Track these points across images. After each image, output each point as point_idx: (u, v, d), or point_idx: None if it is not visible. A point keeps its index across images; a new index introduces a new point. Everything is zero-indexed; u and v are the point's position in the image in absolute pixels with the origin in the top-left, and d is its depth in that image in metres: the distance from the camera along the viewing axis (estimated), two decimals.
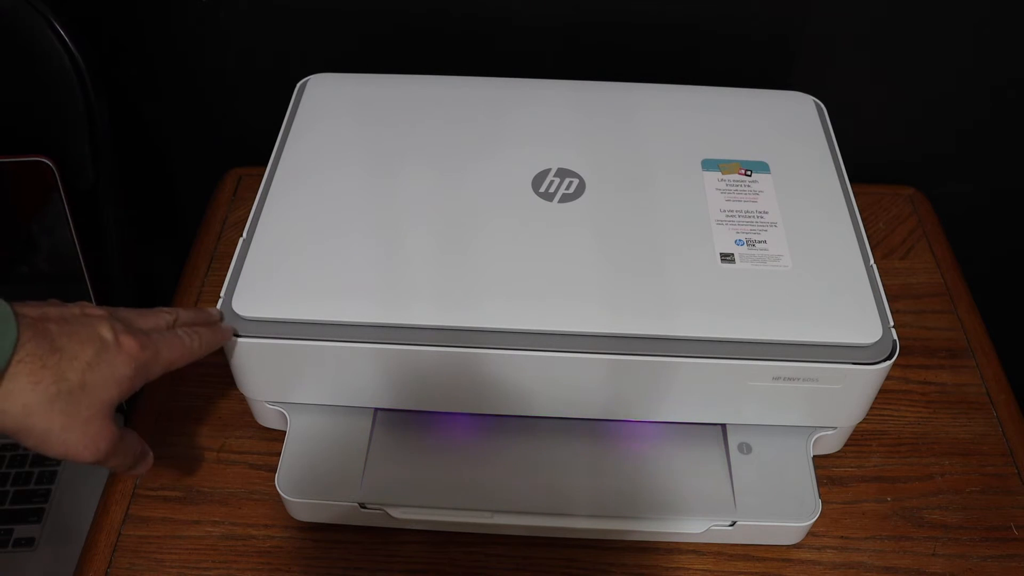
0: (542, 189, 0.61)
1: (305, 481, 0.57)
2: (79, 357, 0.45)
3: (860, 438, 0.65)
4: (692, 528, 0.58)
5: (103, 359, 0.46)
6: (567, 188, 0.61)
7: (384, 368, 0.55)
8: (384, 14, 0.79)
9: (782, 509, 0.57)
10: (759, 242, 0.58)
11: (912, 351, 0.71)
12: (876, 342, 0.54)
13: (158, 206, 0.99)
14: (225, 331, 0.54)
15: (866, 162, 0.77)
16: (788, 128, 0.67)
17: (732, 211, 0.60)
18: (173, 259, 0.82)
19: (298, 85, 0.70)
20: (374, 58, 0.82)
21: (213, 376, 0.68)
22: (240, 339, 0.54)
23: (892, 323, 0.55)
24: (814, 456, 0.59)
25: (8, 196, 0.73)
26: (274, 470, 0.58)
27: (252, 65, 0.84)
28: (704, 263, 0.57)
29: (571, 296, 0.55)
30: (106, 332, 0.47)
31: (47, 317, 0.45)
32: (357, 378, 0.56)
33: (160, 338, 0.50)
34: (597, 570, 0.59)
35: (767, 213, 0.60)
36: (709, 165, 0.63)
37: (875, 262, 0.58)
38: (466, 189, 0.61)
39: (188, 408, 0.66)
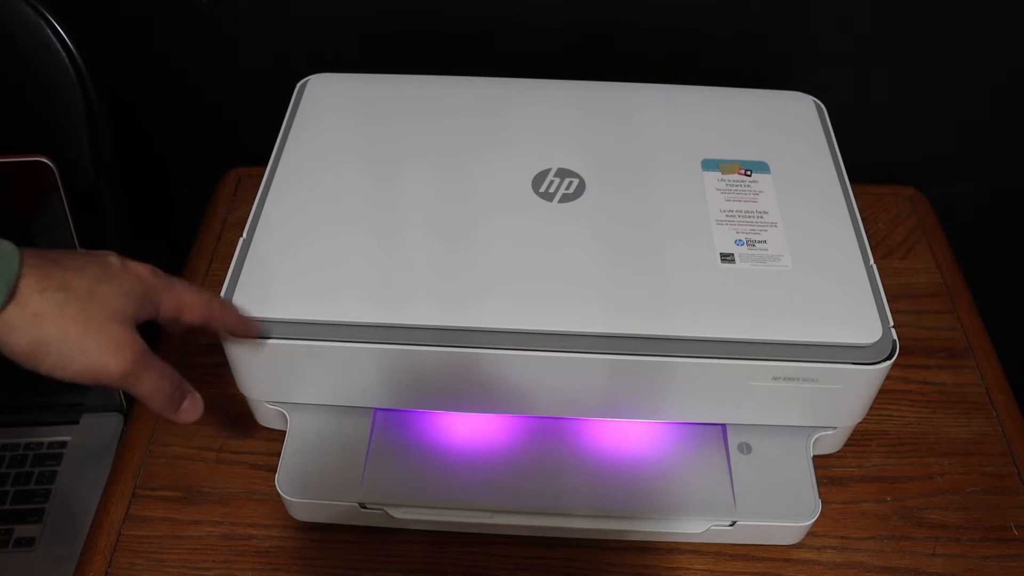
0: (542, 189, 0.61)
1: (305, 481, 0.57)
2: (85, 271, 0.45)
3: (860, 438, 0.65)
4: (692, 528, 0.58)
5: (110, 275, 0.46)
6: (567, 188, 0.61)
7: (384, 368, 0.55)
8: (384, 14, 0.79)
9: (782, 509, 0.57)
10: (759, 242, 0.58)
11: (912, 351, 0.71)
12: (876, 342, 0.54)
13: (158, 206, 0.99)
14: (251, 325, 0.53)
15: (866, 162, 0.77)
16: (788, 128, 0.67)
17: (732, 211, 0.60)
18: (173, 259, 0.82)
19: (298, 85, 0.70)
20: (374, 58, 0.82)
21: (213, 376, 0.68)
22: (240, 339, 0.54)
23: (892, 323, 0.55)
24: (814, 456, 0.59)
25: (8, 196, 0.73)
26: (274, 470, 0.58)
27: (252, 65, 0.84)
28: (704, 263, 0.57)
29: (571, 296, 0.55)
30: (113, 259, 0.47)
31: (50, 251, 0.45)
32: (357, 378, 0.56)
33: (176, 278, 0.49)
34: (597, 570, 0.59)
35: (767, 213, 0.60)
36: (709, 165, 0.63)
37: (875, 262, 0.58)
38: (466, 189, 0.61)
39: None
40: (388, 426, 0.60)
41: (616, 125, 0.66)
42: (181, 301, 0.49)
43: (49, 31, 0.72)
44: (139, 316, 0.47)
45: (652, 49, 0.81)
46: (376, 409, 0.60)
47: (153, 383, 0.47)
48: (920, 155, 0.89)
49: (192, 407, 0.50)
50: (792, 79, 0.82)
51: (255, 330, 0.54)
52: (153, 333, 0.72)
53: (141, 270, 0.48)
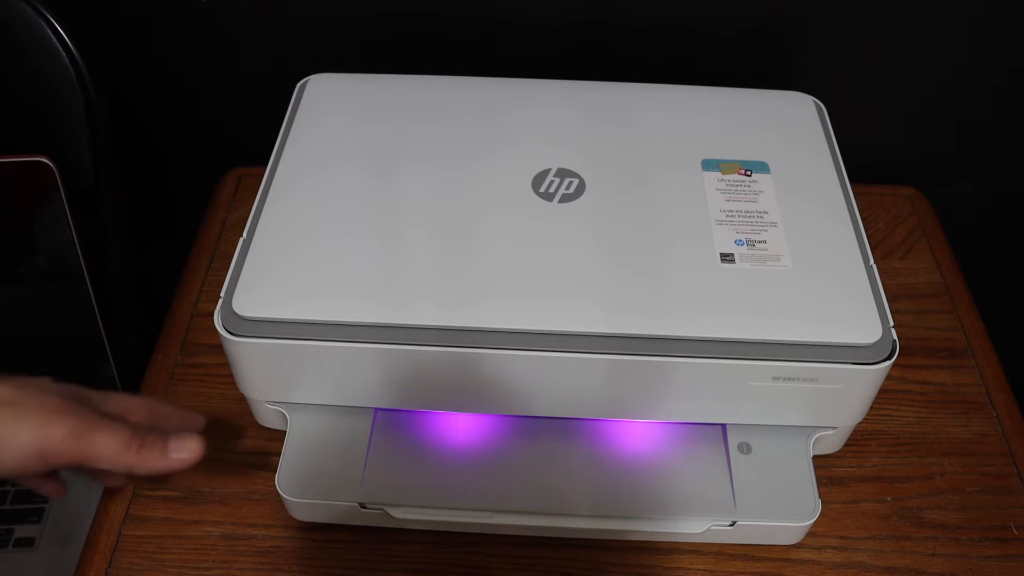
0: (542, 189, 0.61)
1: (305, 481, 0.57)
2: (12, 377, 0.44)
3: (860, 438, 0.65)
4: (692, 528, 0.58)
5: (41, 380, 0.44)
6: (567, 188, 0.61)
7: (384, 368, 0.55)
8: (384, 14, 0.79)
9: (782, 509, 0.57)
10: (759, 242, 0.58)
11: (912, 351, 0.71)
12: (876, 342, 0.54)
13: (158, 206, 0.99)
14: (173, 461, 0.46)
15: (866, 162, 0.77)
16: (788, 128, 0.67)
17: (732, 211, 0.60)
18: (173, 259, 0.82)
19: (298, 85, 0.70)
20: (374, 58, 0.82)
21: (213, 376, 0.68)
22: (240, 339, 0.54)
23: (892, 323, 0.55)
24: (814, 456, 0.59)
25: (8, 196, 0.73)
26: (274, 470, 0.58)
27: (252, 65, 0.84)
28: (704, 263, 0.57)
29: (571, 296, 0.55)
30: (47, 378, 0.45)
31: None
32: (357, 378, 0.56)
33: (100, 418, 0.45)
34: (597, 570, 0.59)
35: (767, 213, 0.60)
36: (709, 165, 0.63)
37: (875, 262, 0.58)
38: (466, 189, 0.61)
39: (188, 408, 0.66)
40: (388, 426, 0.60)
41: (616, 125, 0.66)
42: (122, 404, 0.48)
43: (49, 31, 0.72)
44: (75, 407, 0.44)
45: (652, 49, 0.81)
46: (376, 409, 0.60)
47: (110, 437, 0.43)
48: (920, 155, 0.89)
49: (180, 445, 0.45)
50: (792, 79, 0.82)
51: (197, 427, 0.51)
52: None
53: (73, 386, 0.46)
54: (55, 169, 0.71)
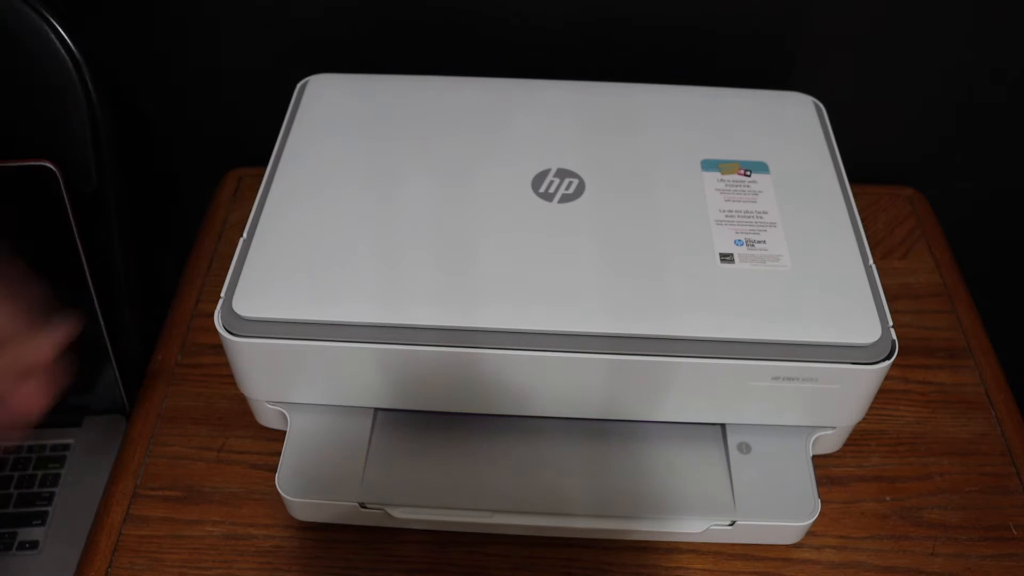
0: (542, 189, 0.61)
1: (305, 481, 0.57)
2: None
3: (859, 438, 0.65)
4: (692, 528, 0.58)
5: None
6: (567, 188, 0.61)
7: (384, 368, 0.55)
8: (385, 15, 0.79)
9: (782, 509, 0.57)
10: (758, 242, 0.58)
11: (911, 351, 0.71)
12: (875, 342, 0.54)
13: (159, 206, 1.00)
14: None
15: (866, 162, 0.77)
16: (788, 128, 0.67)
17: (731, 211, 0.60)
18: (174, 260, 0.82)
19: (298, 85, 0.70)
20: (374, 58, 0.82)
21: (213, 376, 0.68)
22: (240, 339, 0.54)
23: (891, 323, 0.55)
24: (813, 456, 0.60)
25: (11, 201, 0.73)
26: (274, 470, 0.58)
27: (252, 65, 0.85)
28: (704, 263, 0.57)
29: (571, 296, 0.55)
30: None
31: None
32: (357, 378, 0.56)
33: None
34: (597, 570, 0.59)
35: (766, 213, 0.60)
36: (709, 165, 0.63)
37: (874, 262, 0.58)
38: (466, 189, 0.61)
39: (188, 408, 0.66)
40: (388, 426, 0.60)
41: (616, 125, 0.66)
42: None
43: (52, 35, 0.72)
44: None
45: (652, 49, 0.81)
46: (376, 409, 0.61)
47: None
48: (920, 155, 0.89)
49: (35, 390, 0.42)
50: (792, 79, 0.82)
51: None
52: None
53: None
54: (58, 173, 0.71)
